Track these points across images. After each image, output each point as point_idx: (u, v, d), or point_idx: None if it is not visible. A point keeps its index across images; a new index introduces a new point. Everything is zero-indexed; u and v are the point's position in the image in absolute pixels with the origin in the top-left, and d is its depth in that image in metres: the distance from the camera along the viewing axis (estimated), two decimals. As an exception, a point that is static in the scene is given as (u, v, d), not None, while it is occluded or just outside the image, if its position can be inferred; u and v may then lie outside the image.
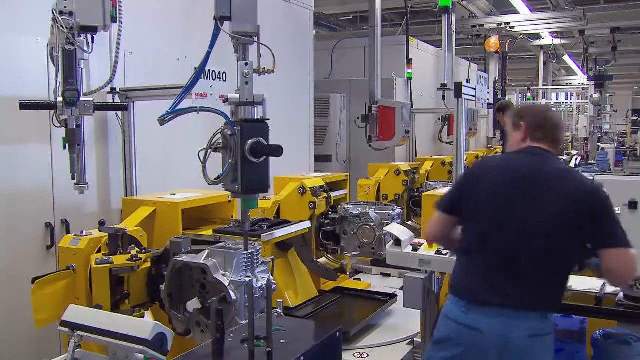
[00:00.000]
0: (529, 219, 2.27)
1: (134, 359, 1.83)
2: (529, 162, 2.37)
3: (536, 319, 2.27)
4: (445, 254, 2.98)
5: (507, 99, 11.68)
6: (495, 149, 10.64)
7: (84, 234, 2.73)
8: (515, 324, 2.23)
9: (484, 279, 2.30)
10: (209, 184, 2.05)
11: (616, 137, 15.20)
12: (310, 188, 3.87)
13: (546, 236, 2.27)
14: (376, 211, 3.87)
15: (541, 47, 13.82)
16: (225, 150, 2.02)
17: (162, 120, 2.09)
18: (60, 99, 2.68)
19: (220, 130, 2.04)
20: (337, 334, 1.96)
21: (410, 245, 3.06)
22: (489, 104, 10.27)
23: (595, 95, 11.92)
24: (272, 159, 2.11)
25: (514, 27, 10.54)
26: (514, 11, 10.16)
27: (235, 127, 2.00)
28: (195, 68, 2.18)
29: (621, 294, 2.85)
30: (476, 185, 2.38)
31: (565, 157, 11.49)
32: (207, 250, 2.32)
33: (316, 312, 3.49)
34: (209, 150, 2.04)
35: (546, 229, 2.27)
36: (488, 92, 9.76)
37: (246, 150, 2.00)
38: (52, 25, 2.68)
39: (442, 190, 4.27)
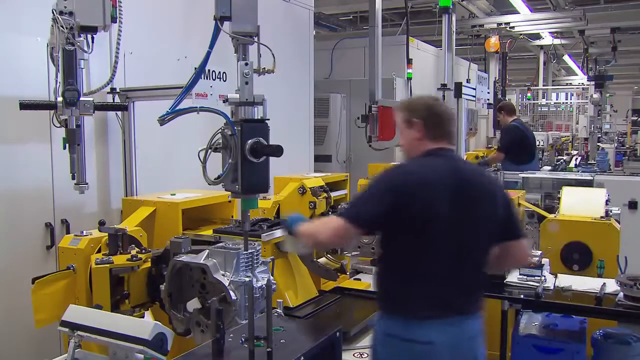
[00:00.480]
0: (471, 226, 2.25)
1: (134, 359, 1.83)
2: (447, 167, 2.27)
3: (476, 319, 2.29)
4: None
5: (507, 99, 11.69)
6: (495, 148, 10.64)
7: (84, 234, 2.73)
8: (460, 330, 2.22)
9: (430, 292, 2.22)
10: (209, 184, 2.05)
11: (616, 137, 15.19)
12: (310, 188, 3.87)
13: (485, 239, 2.31)
14: (376, 211, 3.86)
15: (541, 47, 13.83)
16: (225, 150, 2.02)
17: (162, 120, 2.09)
18: (60, 99, 2.68)
19: (220, 130, 2.04)
20: (337, 334, 1.97)
21: (410, 245, 3.05)
22: (489, 104, 10.29)
23: (595, 95, 11.91)
24: (272, 159, 2.11)
25: (514, 27, 10.54)
26: (514, 11, 10.16)
27: (235, 127, 2.00)
28: (195, 68, 2.18)
29: (621, 294, 2.85)
30: (411, 199, 2.16)
31: (565, 157, 11.50)
32: (207, 250, 2.32)
33: (316, 312, 3.48)
34: (209, 150, 2.04)
35: (485, 231, 2.29)
36: (488, 92, 9.79)
37: (246, 150, 2.00)
38: (52, 25, 2.68)
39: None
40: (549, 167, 8.75)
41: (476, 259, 2.31)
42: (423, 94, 2.51)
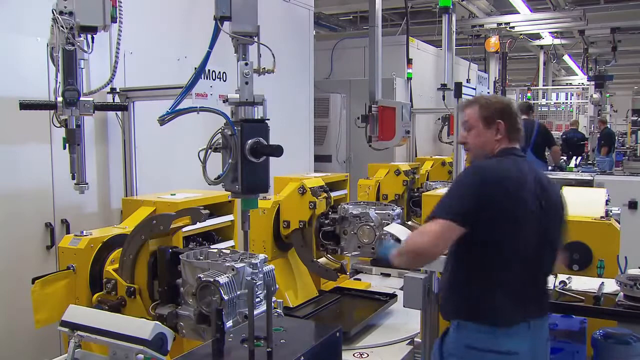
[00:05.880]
0: (550, 229, 2.27)
1: (134, 359, 1.83)
2: (527, 168, 2.27)
3: (546, 320, 2.33)
4: (446, 254, 2.97)
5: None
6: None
7: (84, 234, 2.73)
8: (537, 334, 2.23)
9: (516, 296, 2.18)
10: (209, 184, 2.06)
11: (616, 137, 15.18)
12: (310, 188, 3.87)
13: (559, 243, 2.36)
14: (376, 211, 3.86)
15: (541, 47, 13.83)
16: (225, 150, 2.02)
17: (162, 121, 2.09)
18: (60, 99, 2.68)
19: (220, 130, 2.04)
20: (337, 334, 1.96)
21: (410, 245, 3.04)
22: (489, 104, 10.24)
23: (595, 95, 11.91)
24: (272, 159, 2.11)
25: (514, 27, 10.56)
26: (514, 11, 10.17)
27: (235, 127, 2.00)
28: (195, 68, 2.18)
29: (621, 294, 2.85)
30: (505, 196, 2.13)
31: (564, 157, 11.50)
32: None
33: (316, 312, 3.49)
34: (209, 150, 2.04)
35: (559, 236, 2.35)
36: (488, 92, 9.77)
37: (246, 150, 2.00)
38: (52, 25, 2.69)
39: (443, 190, 4.26)
40: (549, 167, 8.76)
41: (552, 264, 2.35)
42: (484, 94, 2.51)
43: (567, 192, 4.24)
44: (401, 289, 3.25)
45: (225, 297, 2.11)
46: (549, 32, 12.01)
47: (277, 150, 2.05)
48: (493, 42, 10.79)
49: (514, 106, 2.38)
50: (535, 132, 7.21)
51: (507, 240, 2.17)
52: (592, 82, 12.45)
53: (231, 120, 2.03)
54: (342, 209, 3.96)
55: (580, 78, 17.81)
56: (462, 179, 2.26)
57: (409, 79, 7.72)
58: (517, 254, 2.19)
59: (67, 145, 2.82)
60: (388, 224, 3.70)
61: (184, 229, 2.60)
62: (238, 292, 2.16)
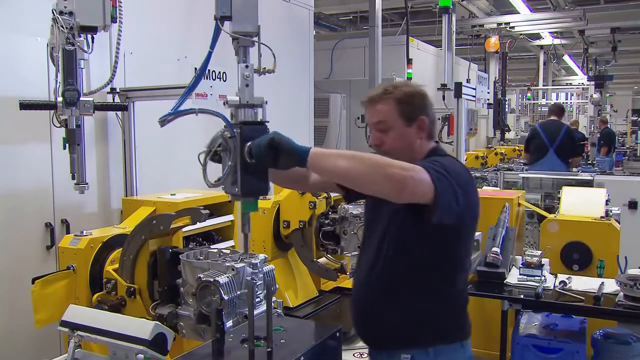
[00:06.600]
0: None
1: (134, 359, 1.83)
2: None
3: None
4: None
5: (507, 99, 11.68)
6: (495, 148, 10.64)
7: (84, 234, 2.73)
8: None
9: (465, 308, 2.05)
10: (209, 186, 2.05)
11: (616, 137, 15.18)
12: (310, 188, 3.87)
13: None
14: (376, 211, 3.86)
15: (541, 47, 13.85)
16: (225, 152, 2.02)
17: (163, 122, 2.08)
18: (60, 99, 2.68)
19: (220, 133, 2.03)
20: (337, 334, 1.96)
21: (410, 245, 3.04)
22: (489, 104, 10.27)
23: (595, 95, 11.90)
24: (272, 160, 2.10)
25: (514, 27, 10.57)
26: (514, 11, 10.18)
27: (234, 130, 2.00)
28: (196, 68, 2.17)
29: (621, 294, 2.85)
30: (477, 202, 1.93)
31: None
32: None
33: (316, 312, 3.48)
34: (210, 153, 2.03)
35: None
36: (488, 92, 9.80)
37: (245, 153, 1.99)
38: (52, 25, 2.69)
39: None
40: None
41: None
42: (400, 80, 2.21)
43: (567, 192, 4.25)
44: (401, 289, 3.24)
45: (225, 297, 2.10)
46: (549, 32, 12.02)
47: (277, 151, 2.05)
48: (493, 42, 10.79)
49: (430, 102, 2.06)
50: (563, 134, 7.22)
51: (467, 253, 2.05)
52: (592, 82, 12.43)
53: (230, 122, 2.02)
54: (342, 209, 3.95)
55: (580, 78, 17.82)
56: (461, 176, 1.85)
57: (409, 79, 7.72)
58: (465, 261, 2.06)
59: (67, 145, 2.82)
60: (388, 224, 3.70)
61: (184, 229, 2.60)
62: (238, 292, 2.16)
